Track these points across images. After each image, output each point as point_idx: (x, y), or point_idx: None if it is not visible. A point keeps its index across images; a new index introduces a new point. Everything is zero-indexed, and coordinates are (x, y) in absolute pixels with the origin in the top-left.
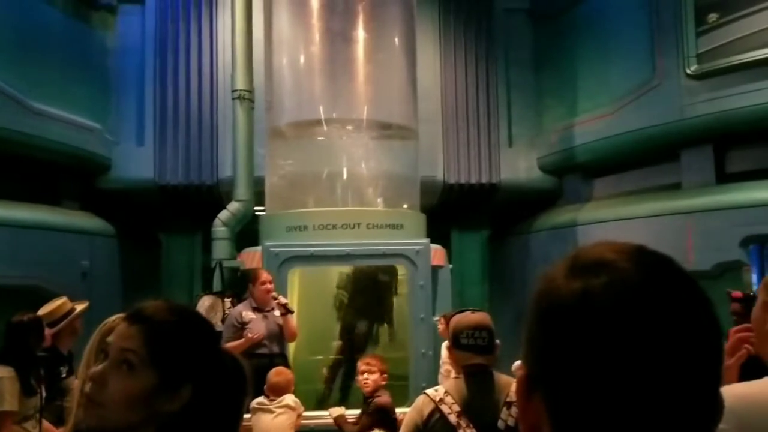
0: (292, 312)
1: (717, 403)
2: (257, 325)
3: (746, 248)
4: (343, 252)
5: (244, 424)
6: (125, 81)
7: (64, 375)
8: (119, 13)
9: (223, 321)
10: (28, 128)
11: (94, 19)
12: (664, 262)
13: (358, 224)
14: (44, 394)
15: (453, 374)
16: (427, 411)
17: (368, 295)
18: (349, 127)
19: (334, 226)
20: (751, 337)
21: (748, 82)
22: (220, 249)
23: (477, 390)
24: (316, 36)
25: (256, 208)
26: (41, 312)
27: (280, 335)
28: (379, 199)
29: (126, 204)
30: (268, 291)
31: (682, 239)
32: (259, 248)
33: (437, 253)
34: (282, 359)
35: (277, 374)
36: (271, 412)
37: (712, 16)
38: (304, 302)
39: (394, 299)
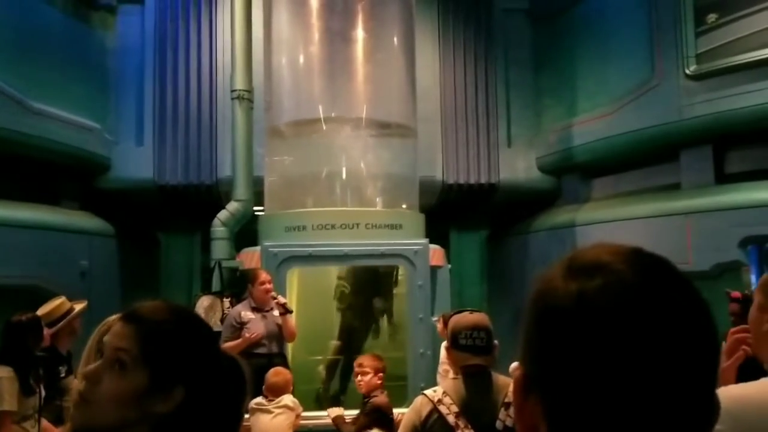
0: (291, 312)
1: (713, 404)
2: (256, 325)
3: (745, 248)
4: (342, 252)
5: (243, 424)
6: (125, 81)
7: (63, 375)
8: (119, 13)
9: (222, 321)
10: (28, 128)
11: (93, 19)
12: (660, 264)
13: (357, 224)
14: (43, 393)
15: (451, 374)
16: (425, 411)
17: (368, 288)
18: (348, 127)
19: (332, 226)
20: (748, 338)
21: (748, 82)
22: (219, 249)
23: (475, 391)
24: (316, 35)
25: (255, 208)
26: (40, 312)
27: (279, 335)
28: (377, 199)
29: (125, 204)
30: (267, 291)
31: (681, 240)
32: (258, 248)
33: (436, 253)
34: (281, 359)
35: (275, 374)
36: (269, 412)
37: (712, 17)
38: (303, 302)
39: (394, 291)
